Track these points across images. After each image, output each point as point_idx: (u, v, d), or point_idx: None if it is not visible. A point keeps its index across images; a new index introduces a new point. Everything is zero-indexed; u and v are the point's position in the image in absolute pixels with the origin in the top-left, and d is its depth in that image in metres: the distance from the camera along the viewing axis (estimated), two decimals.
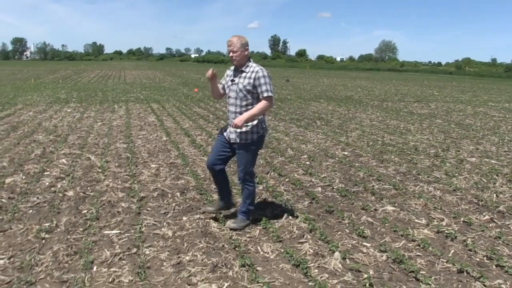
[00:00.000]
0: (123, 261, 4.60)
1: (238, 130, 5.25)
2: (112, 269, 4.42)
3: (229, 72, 5.46)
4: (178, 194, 6.78)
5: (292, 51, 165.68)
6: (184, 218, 5.85)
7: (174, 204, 6.34)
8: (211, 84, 5.38)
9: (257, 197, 6.68)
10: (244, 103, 5.25)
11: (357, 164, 8.82)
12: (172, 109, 17.25)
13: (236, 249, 4.96)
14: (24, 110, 16.35)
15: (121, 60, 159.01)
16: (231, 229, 5.45)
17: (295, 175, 7.97)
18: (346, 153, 9.91)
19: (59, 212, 5.97)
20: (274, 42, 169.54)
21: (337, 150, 10.22)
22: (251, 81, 5.17)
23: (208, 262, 4.64)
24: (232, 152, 5.48)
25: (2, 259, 4.61)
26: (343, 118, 15.77)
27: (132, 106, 18.03)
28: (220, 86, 5.52)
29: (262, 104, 5.21)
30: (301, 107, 18.89)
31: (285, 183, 7.52)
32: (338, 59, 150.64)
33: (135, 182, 7.27)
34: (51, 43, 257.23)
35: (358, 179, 7.82)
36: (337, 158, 9.31)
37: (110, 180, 7.35)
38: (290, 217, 5.95)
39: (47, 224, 5.51)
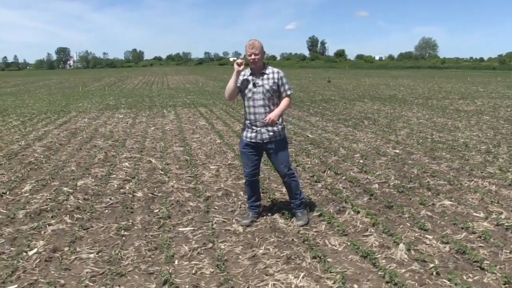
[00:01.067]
0: (201, 255, 4.91)
1: (271, 128, 5.54)
2: (193, 262, 4.74)
3: (243, 77, 5.56)
4: (241, 193, 7.06)
5: (330, 52, 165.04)
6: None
7: (239, 202, 6.63)
8: (235, 78, 5.46)
9: (318, 195, 6.94)
10: (271, 102, 5.48)
11: (409, 162, 8.96)
12: (220, 112, 17.62)
13: (305, 242, 5.22)
14: (78, 117, 16.97)
15: (160, 65, 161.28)
16: (300, 226, 5.69)
17: (351, 173, 8.17)
18: (397, 151, 10.05)
19: (132, 212, 6.32)
20: (312, 43, 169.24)
21: (388, 148, 10.36)
22: (276, 81, 5.43)
23: (281, 255, 4.90)
24: (261, 155, 5.75)
25: (91, 253, 4.98)
26: (390, 117, 15.84)
27: (180, 110, 18.48)
28: (231, 80, 5.58)
29: (286, 101, 5.55)
30: (347, 107, 19.01)
31: (342, 180, 7.72)
32: (377, 58, 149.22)
33: (198, 182, 7.61)
34: (92, 51, 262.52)
35: (412, 175, 7.97)
36: (389, 156, 9.46)
37: (174, 182, 7.70)
38: (352, 212, 6.17)
39: (123, 223, 5.85)
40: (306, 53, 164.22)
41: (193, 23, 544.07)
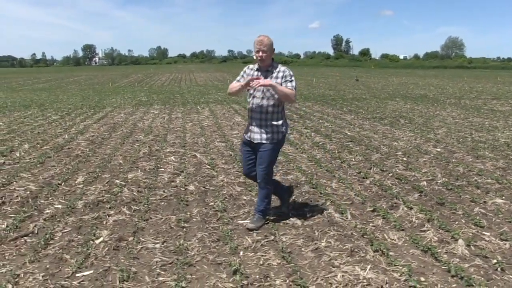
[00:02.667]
0: (265, 247, 5.02)
1: (264, 130, 5.38)
2: (258, 254, 4.84)
3: (250, 71, 5.42)
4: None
5: (354, 51, 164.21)
6: (306, 209, 6.20)
7: (294, 196, 6.71)
8: (241, 87, 5.31)
9: (368, 191, 7.01)
10: (271, 102, 5.25)
11: (453, 160, 8.98)
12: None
13: (365, 236, 5.29)
14: (114, 112, 17.21)
15: (185, 63, 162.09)
16: (248, 229, 5.49)
17: (397, 170, 8.22)
18: (438, 149, 10.06)
19: (187, 204, 6.46)
20: (337, 41, 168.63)
21: (429, 147, 10.37)
22: (279, 80, 5.18)
23: (344, 248, 4.98)
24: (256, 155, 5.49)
25: (157, 243, 5.12)
26: (425, 116, 15.81)
27: (214, 107, 18.64)
28: (237, 84, 5.41)
29: (289, 90, 5.16)
30: (379, 106, 18.99)
31: (389, 177, 7.76)
32: (401, 57, 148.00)
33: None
34: (117, 49, 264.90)
35: (458, 173, 7.99)
36: (432, 155, 9.48)
37: (223, 176, 7.82)
38: (406, 208, 6.21)
39: (182, 215, 5.98)
40: (330, 51, 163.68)
41: (216, 21, 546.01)
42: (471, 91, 28.03)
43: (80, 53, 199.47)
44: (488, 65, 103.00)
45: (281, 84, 5.13)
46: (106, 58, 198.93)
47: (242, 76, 5.42)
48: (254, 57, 5.32)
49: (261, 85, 5.03)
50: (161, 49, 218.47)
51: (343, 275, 4.35)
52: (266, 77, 5.19)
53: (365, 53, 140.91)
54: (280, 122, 5.34)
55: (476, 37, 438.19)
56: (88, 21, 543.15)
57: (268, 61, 5.23)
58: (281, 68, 5.28)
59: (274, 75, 5.23)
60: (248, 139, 5.44)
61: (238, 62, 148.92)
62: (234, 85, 5.35)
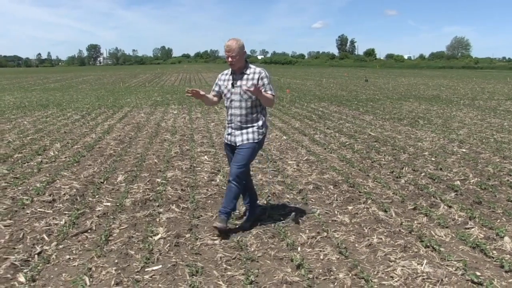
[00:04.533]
0: (321, 243, 5.23)
1: (245, 131, 5.41)
2: (316, 249, 5.05)
3: (224, 76, 5.46)
4: (331, 187, 7.36)
5: (359, 51, 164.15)
6: (350, 207, 6.40)
7: (335, 195, 6.92)
8: (202, 99, 5.47)
9: (405, 189, 7.22)
10: (249, 104, 5.26)
11: (481, 160, 9.15)
12: (270, 110, 17.88)
13: (412, 233, 5.49)
14: (133, 112, 17.46)
15: (189, 63, 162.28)
16: (214, 227, 5.51)
17: (428, 170, 8.39)
18: (464, 150, 10.26)
19: None
20: (342, 42, 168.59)
21: (453, 147, 10.56)
22: (255, 81, 5.16)
23: (396, 244, 5.18)
24: None
25: (215, 239, 5.35)
26: (442, 117, 15.98)
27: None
28: (213, 93, 5.57)
29: (270, 95, 5.26)
30: (395, 106, 19.18)
31: (422, 177, 7.95)
32: (406, 57, 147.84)
33: (285, 176, 7.92)
34: (122, 48, 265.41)
35: (489, 174, 8.17)
36: (458, 155, 9.68)
37: (260, 175, 8.01)
38: (446, 207, 6.41)
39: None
40: (334, 51, 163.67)
41: (220, 21, 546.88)
42: (482, 91, 28.17)
43: (85, 53, 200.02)
44: (495, 66, 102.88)
45: (257, 84, 5.16)
46: (111, 58, 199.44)
47: (217, 84, 5.51)
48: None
49: (255, 90, 5.09)
50: (166, 49, 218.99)
51: (402, 269, 4.51)
52: (241, 80, 5.28)
53: (370, 53, 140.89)
54: (260, 123, 5.36)
55: (481, 37, 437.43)
56: (92, 21, 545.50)
57: (240, 64, 5.22)
58: (256, 69, 5.28)
59: (250, 76, 5.24)
60: (228, 142, 5.48)
61: None
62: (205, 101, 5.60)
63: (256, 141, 5.33)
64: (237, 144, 5.32)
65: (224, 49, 5.18)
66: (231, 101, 5.30)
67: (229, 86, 5.29)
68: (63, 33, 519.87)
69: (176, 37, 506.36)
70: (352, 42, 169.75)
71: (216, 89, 5.48)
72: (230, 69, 5.36)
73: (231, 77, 5.33)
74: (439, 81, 41.61)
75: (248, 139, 5.28)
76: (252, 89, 5.04)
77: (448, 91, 27.85)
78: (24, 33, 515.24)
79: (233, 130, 5.35)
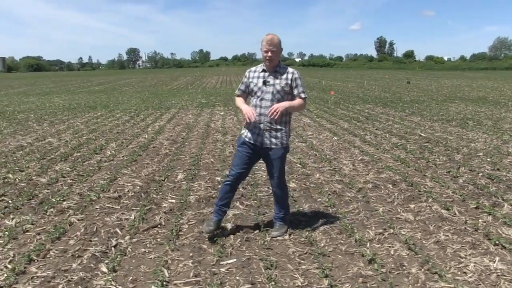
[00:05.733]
0: (388, 239, 5.31)
1: (274, 133, 5.21)
2: (385, 245, 5.14)
3: (253, 73, 5.22)
4: (390, 186, 7.41)
5: (398, 52, 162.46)
6: (412, 206, 6.46)
7: (396, 193, 6.99)
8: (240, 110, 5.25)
9: (465, 189, 7.22)
10: None
11: None
12: (317, 111, 18.00)
13: (478, 231, 5.52)
14: (181, 114, 17.78)
15: (227, 66, 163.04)
16: (273, 237, 5.43)
17: (486, 170, 8.36)
18: None
19: (295, 200, 6.78)
20: (380, 43, 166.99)
21: (508, 148, 10.47)
22: (289, 82, 5.03)
23: (464, 241, 5.22)
24: (256, 160, 5.42)
25: (286, 235, 5.43)
26: (492, 118, 15.79)
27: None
28: (239, 92, 5.41)
29: (300, 101, 5.15)
30: (441, 108, 19.00)
31: (480, 177, 7.92)
32: (445, 58, 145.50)
33: (342, 175, 8.01)
34: (160, 52, 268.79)
35: None
36: None
37: (318, 175, 8.12)
38: (510, 206, 6.40)
39: (295, 210, 6.30)
40: (372, 53, 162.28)
41: (256, 24, 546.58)
42: None
43: (125, 57, 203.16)
44: None
45: (290, 85, 5.09)
46: (150, 61, 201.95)
47: (243, 82, 5.29)
48: (262, 57, 5.17)
49: (276, 111, 4.99)
50: (203, 52, 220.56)
51: (474, 265, 4.56)
52: (274, 78, 5.08)
53: (409, 55, 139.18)
54: (288, 126, 5.25)
55: None
56: (131, 25, 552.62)
57: (276, 62, 5.03)
58: (289, 69, 5.14)
59: (284, 76, 5.09)
60: (253, 142, 5.16)
61: None
62: (236, 103, 5.40)
63: (285, 145, 5.23)
64: (265, 146, 5.14)
65: (262, 44, 4.96)
66: (261, 99, 5.06)
67: (260, 84, 5.07)
68: (102, 37, 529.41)
69: (213, 40, 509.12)
70: (391, 44, 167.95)
71: (243, 88, 5.27)
72: (260, 67, 5.18)
73: (262, 75, 5.11)
74: (483, 82, 40.90)
75: (278, 144, 5.15)
76: (277, 107, 4.99)
77: (494, 93, 27.38)
78: (66, 38, 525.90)
79: (262, 131, 5.11)
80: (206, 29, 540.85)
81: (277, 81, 5.04)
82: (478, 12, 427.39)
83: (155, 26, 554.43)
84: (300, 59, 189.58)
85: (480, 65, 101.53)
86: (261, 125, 5.08)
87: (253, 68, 5.26)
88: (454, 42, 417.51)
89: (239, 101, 5.30)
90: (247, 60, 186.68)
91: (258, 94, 5.05)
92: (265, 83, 5.04)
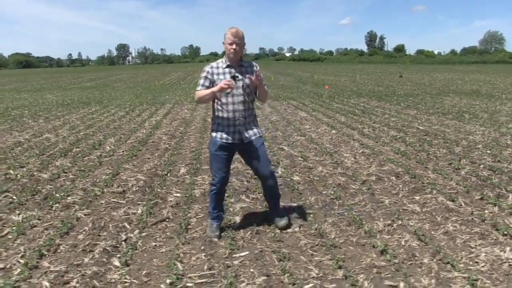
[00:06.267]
0: (398, 230, 5.34)
1: (249, 126, 5.13)
2: (395, 236, 5.18)
3: (216, 69, 4.96)
4: (393, 178, 7.44)
5: (388, 47, 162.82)
6: (417, 197, 6.49)
7: (400, 185, 7.02)
8: (212, 94, 4.92)
9: (467, 180, 7.28)
10: (251, 98, 5.03)
11: None
12: (312, 105, 18.04)
13: (485, 222, 5.56)
14: (176, 109, 17.82)
15: (216, 61, 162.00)
16: (282, 226, 5.47)
17: (487, 162, 8.42)
18: None
19: (300, 193, 6.83)
20: (371, 38, 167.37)
21: (506, 140, 10.53)
22: (254, 75, 4.89)
23: (472, 231, 5.27)
24: (232, 158, 5.29)
25: (295, 227, 5.45)
26: (488, 111, 15.87)
27: (271, 103, 18.95)
28: (202, 88, 5.03)
29: (267, 88, 5.17)
30: (436, 101, 19.08)
31: (482, 169, 7.98)
32: (436, 52, 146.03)
33: (345, 168, 8.04)
34: (150, 48, 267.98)
35: None
36: None
37: (321, 168, 8.14)
38: None
39: (301, 202, 6.36)
40: (362, 48, 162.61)
41: (246, 20, 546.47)
42: None
43: (114, 53, 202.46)
44: None
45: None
46: (139, 57, 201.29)
47: (207, 78, 4.97)
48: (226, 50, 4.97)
49: (258, 79, 4.87)
50: (193, 47, 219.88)
51: (485, 255, 4.60)
52: (240, 73, 4.93)
53: (400, 49, 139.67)
54: (255, 118, 5.23)
55: None
56: (121, 22, 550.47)
57: (239, 55, 4.87)
58: (250, 62, 5.04)
59: (249, 69, 4.98)
60: (231, 141, 5.03)
61: (271, 60, 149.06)
62: (203, 93, 4.95)
63: (261, 134, 5.21)
64: (246, 141, 5.04)
65: (226, 36, 4.79)
66: (232, 95, 4.86)
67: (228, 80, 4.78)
68: (92, 34, 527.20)
69: (203, 36, 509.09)
70: (381, 38, 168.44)
71: (207, 83, 4.93)
72: (222, 62, 4.98)
73: (228, 70, 4.90)
74: (474, 76, 41.09)
75: (256, 133, 5.10)
76: (257, 81, 4.86)
77: (487, 86, 27.53)
78: (55, 35, 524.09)
79: (238, 127, 4.99)
80: (196, 25, 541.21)
81: (245, 75, 4.91)
82: (469, 6, 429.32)
83: (146, 22, 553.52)
84: (291, 53, 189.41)
85: (471, 58, 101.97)
86: (237, 121, 4.95)
87: (214, 64, 4.99)
88: (445, 36, 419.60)
89: (203, 91, 4.96)
90: None
91: (228, 90, 4.77)
92: (234, 78, 4.83)
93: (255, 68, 4.95)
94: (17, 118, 15.93)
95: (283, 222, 5.36)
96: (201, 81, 4.98)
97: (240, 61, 4.91)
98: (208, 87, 4.91)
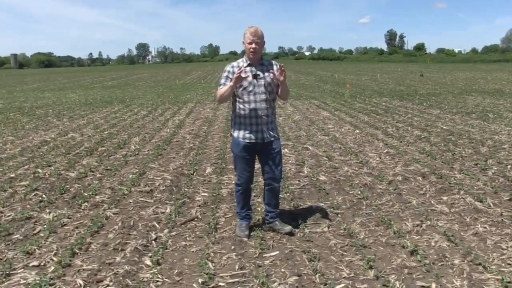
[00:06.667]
0: (427, 231, 5.34)
1: (271, 127, 5.14)
2: (424, 237, 5.18)
3: (237, 69, 4.93)
4: (419, 178, 7.43)
5: (408, 45, 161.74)
6: (444, 198, 6.47)
7: (427, 186, 7.01)
8: (232, 87, 4.93)
9: (495, 181, 7.29)
10: (272, 97, 5.00)
11: None
12: (334, 104, 18.03)
13: None
14: (199, 108, 17.94)
15: (236, 60, 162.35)
16: (287, 232, 5.39)
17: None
18: None
19: (327, 193, 6.84)
20: (390, 36, 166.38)
21: None
22: (276, 73, 4.94)
23: (503, 233, 5.25)
24: (255, 157, 5.26)
25: (324, 227, 5.49)
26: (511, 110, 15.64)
27: (294, 102, 18.98)
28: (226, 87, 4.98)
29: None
30: (459, 101, 18.93)
31: (509, 169, 7.90)
32: (456, 51, 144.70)
33: (370, 168, 8.04)
34: (170, 47, 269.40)
35: None
36: None
37: (346, 168, 8.15)
38: None
39: (329, 203, 6.38)
40: (382, 46, 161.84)
41: (265, 18, 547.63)
42: None
43: (134, 52, 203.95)
44: None
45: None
46: (159, 56, 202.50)
47: (228, 77, 4.99)
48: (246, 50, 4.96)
49: (282, 74, 4.89)
50: (213, 46, 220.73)
51: None
52: (262, 71, 4.93)
53: (420, 47, 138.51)
54: (275, 118, 5.19)
55: None
56: (140, 21, 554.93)
57: (260, 54, 4.88)
58: (270, 60, 5.05)
59: (269, 68, 4.99)
60: (254, 141, 5.04)
61: (290, 59, 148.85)
62: (222, 90, 4.98)
63: (279, 136, 5.24)
64: (266, 141, 5.04)
65: (245, 36, 4.80)
66: (254, 94, 4.87)
67: (250, 78, 4.85)
68: (112, 33, 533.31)
69: (222, 35, 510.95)
70: (401, 37, 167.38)
71: (228, 83, 4.93)
72: (243, 62, 5.00)
73: (249, 69, 4.90)
74: (497, 75, 40.62)
75: (276, 136, 5.10)
76: (281, 76, 4.88)
77: (511, 85, 27.17)
78: (76, 34, 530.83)
79: (260, 126, 4.98)
80: (215, 24, 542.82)
81: (266, 74, 4.91)
82: (490, 3, 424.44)
83: (164, 21, 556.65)
84: (310, 52, 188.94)
85: (493, 57, 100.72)
86: (259, 120, 4.95)
87: (234, 64, 5.02)
88: (465, 35, 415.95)
89: (223, 88, 5.02)
90: None
91: (250, 89, 4.86)
92: (255, 76, 4.87)
93: (275, 66, 4.95)
94: (42, 117, 16.15)
95: (287, 228, 5.32)
96: (222, 81, 5.01)
97: (260, 60, 4.92)
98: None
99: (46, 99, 23.67)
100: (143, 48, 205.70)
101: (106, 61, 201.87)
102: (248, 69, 4.89)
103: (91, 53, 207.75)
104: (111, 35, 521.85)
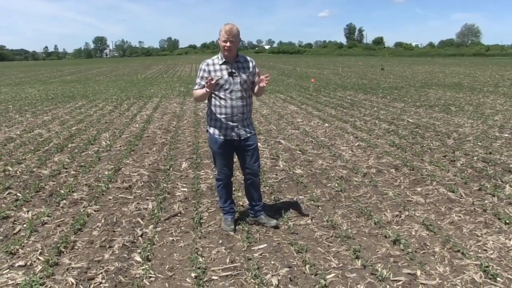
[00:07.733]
0: (406, 221, 5.54)
1: (246, 123, 5.14)
2: (404, 226, 5.38)
3: (212, 66, 4.93)
4: (392, 170, 7.65)
5: (367, 39, 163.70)
6: (419, 189, 6.72)
7: (401, 177, 7.25)
8: (207, 92, 4.90)
9: (464, 172, 7.58)
10: (248, 93, 5.01)
11: None
12: (300, 98, 18.24)
13: (487, 211, 5.80)
14: (165, 103, 17.91)
15: (196, 53, 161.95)
16: (273, 226, 5.45)
17: (480, 154, 8.67)
18: (506, 135, 10.55)
19: (306, 186, 7.01)
20: (350, 30, 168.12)
21: (495, 132, 10.83)
22: (251, 70, 4.96)
23: (476, 221, 5.50)
24: (234, 152, 5.28)
25: (307, 219, 5.61)
26: (472, 104, 16.21)
27: (260, 97, 19.00)
28: (198, 87, 5.05)
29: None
30: (421, 94, 19.40)
31: (476, 160, 8.23)
32: (414, 45, 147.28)
33: (344, 161, 8.24)
34: (128, 40, 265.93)
35: None
36: (503, 140, 10.01)
37: (321, 161, 8.33)
38: (511, 187, 6.68)
39: (308, 196, 6.57)
40: (341, 40, 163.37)
41: (225, 13, 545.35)
42: (502, 79, 28.31)
43: (91, 46, 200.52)
44: (507, 52, 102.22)
45: (253, 73, 5.04)
46: (117, 50, 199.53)
47: (203, 76, 4.96)
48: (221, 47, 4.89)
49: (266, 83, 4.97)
50: (172, 40, 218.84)
51: (492, 243, 4.82)
52: (237, 69, 4.92)
53: (379, 41, 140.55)
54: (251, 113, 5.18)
55: (491, 24, 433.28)
56: (99, 14, 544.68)
57: (235, 52, 4.86)
58: (246, 57, 5.02)
59: (245, 65, 5.00)
60: (229, 138, 5.05)
61: (250, 52, 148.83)
62: (199, 93, 5.00)
63: (255, 132, 5.26)
64: (243, 137, 5.05)
65: (220, 33, 4.76)
66: (230, 91, 4.86)
67: (226, 76, 4.83)
68: (69, 26, 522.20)
69: (181, 29, 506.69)
70: (360, 30, 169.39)
71: (203, 82, 4.86)
72: (218, 59, 4.95)
73: (225, 67, 4.88)
74: (454, 68, 41.66)
75: (252, 131, 5.14)
76: (266, 76, 4.92)
77: (468, 79, 28.00)
78: (30, 27, 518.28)
79: (236, 123, 4.98)
80: (175, 18, 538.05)
81: (241, 71, 4.91)
82: (446, 0, 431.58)
83: (123, 15, 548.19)
84: (269, 46, 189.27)
85: (448, 51, 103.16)
86: (235, 117, 4.96)
87: (209, 61, 4.96)
88: (423, 29, 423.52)
89: (199, 91, 5.02)
90: (216, 48, 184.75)
91: (226, 86, 4.86)
92: (231, 74, 4.86)
93: (251, 63, 4.99)
94: (3, 113, 15.82)
95: (272, 222, 5.38)
96: (198, 80, 4.99)
97: (236, 57, 4.91)
98: (205, 84, 4.82)
99: (4, 94, 23.15)
100: (100, 41, 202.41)
101: (62, 55, 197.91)
102: (222, 74, 4.92)
103: (46, 47, 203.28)
104: (68, 29, 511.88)
